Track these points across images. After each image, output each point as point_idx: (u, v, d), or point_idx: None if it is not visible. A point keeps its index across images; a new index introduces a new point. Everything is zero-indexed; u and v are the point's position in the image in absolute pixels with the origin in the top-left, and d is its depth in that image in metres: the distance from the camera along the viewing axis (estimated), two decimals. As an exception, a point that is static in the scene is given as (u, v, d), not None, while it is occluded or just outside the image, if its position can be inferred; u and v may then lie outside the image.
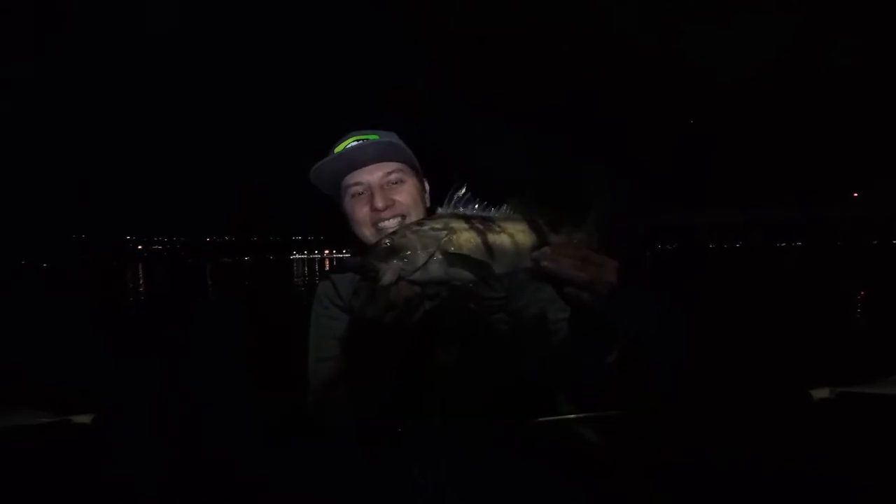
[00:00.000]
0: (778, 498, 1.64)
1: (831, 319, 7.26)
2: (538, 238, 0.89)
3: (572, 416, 1.16)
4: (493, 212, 0.92)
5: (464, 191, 0.91)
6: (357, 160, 1.24)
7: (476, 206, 0.91)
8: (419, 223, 0.89)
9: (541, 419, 1.05)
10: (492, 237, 0.87)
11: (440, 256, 0.86)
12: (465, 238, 0.87)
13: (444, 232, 0.87)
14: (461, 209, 0.91)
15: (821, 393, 1.00)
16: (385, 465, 1.08)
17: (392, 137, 1.29)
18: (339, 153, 1.24)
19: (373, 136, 1.28)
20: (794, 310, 8.39)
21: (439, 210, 0.92)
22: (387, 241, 0.88)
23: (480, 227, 0.88)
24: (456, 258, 0.85)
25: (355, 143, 1.26)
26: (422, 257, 0.85)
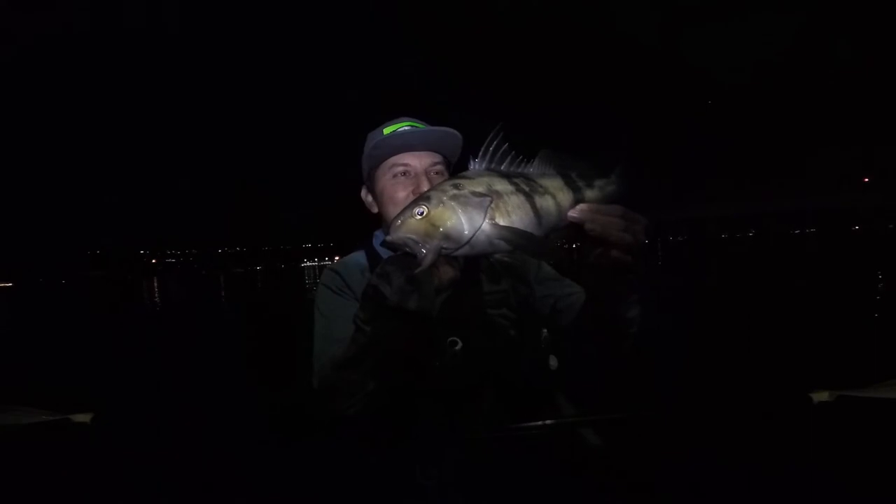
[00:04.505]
0: (777, 499, 1.63)
1: (847, 312, 7.10)
2: (574, 195, 0.81)
3: (574, 417, 1.16)
4: (526, 167, 0.81)
5: (499, 142, 0.79)
6: (412, 144, 1.23)
7: (510, 160, 0.80)
8: (455, 185, 0.75)
9: (543, 421, 1.03)
10: (538, 200, 0.77)
11: (487, 228, 0.72)
12: (514, 204, 0.75)
13: (489, 198, 0.73)
14: (495, 165, 0.79)
15: (820, 396, 0.99)
16: (387, 466, 1.08)
17: (456, 132, 1.27)
18: (398, 132, 1.22)
19: (421, 126, 1.28)
20: (806, 303, 8.22)
21: (473, 165, 0.79)
22: (422, 208, 0.72)
23: (526, 188, 0.77)
24: (506, 230, 0.73)
25: (409, 127, 1.25)
26: (467, 231, 0.71)
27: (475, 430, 1.06)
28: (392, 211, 1.23)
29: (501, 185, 0.75)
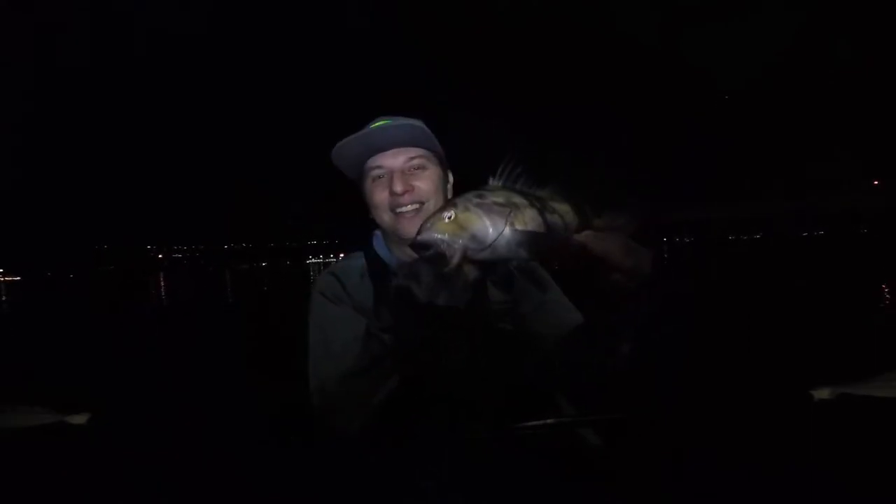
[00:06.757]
0: (778, 499, 1.62)
1: (848, 310, 7.06)
2: (582, 220, 0.87)
3: (575, 418, 1.16)
4: (539, 191, 0.87)
5: (514, 164, 0.86)
6: (379, 143, 1.20)
7: (523, 181, 0.86)
8: (479, 195, 0.82)
9: (543, 421, 1.05)
10: (549, 217, 0.83)
11: (508, 233, 0.79)
12: (529, 216, 0.81)
13: (509, 208, 0.80)
14: (510, 184, 0.86)
15: (821, 393, 0.98)
16: (387, 466, 1.08)
17: (418, 123, 1.24)
18: (361, 134, 1.20)
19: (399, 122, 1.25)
20: (807, 302, 8.18)
21: (492, 182, 0.86)
22: (450, 212, 0.79)
23: (538, 205, 0.83)
24: (525, 234, 0.79)
25: (380, 125, 1.22)
26: (491, 234, 0.78)
27: (475, 430, 1.06)
28: (375, 213, 1.24)
29: (518, 199, 0.82)
